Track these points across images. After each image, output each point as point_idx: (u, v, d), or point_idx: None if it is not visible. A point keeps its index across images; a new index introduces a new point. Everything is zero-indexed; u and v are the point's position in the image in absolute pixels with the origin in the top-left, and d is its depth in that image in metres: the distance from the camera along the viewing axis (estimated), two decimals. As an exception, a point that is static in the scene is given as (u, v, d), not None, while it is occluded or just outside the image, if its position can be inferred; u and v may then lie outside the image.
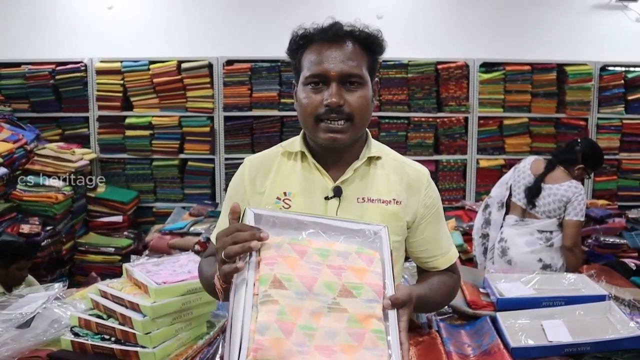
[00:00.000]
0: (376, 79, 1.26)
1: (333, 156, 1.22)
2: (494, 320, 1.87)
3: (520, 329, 1.81)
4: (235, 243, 0.94)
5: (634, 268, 3.03)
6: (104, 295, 1.90)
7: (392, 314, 1.00)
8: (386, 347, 0.94)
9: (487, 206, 3.14)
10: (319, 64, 1.16)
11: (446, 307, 2.02)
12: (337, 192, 1.20)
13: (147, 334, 1.70)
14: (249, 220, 1.03)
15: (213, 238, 1.26)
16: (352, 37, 1.19)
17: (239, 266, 0.92)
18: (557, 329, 1.80)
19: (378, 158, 1.26)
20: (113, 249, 4.23)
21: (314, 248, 1.02)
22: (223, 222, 1.24)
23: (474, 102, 4.60)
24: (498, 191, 3.11)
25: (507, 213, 3.04)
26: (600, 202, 4.46)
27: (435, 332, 1.90)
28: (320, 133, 1.16)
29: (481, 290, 2.08)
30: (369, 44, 1.21)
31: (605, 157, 4.62)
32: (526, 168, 2.99)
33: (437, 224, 1.33)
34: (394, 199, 1.24)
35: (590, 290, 2.02)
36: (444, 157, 4.63)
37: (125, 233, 4.43)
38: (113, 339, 1.78)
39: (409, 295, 1.04)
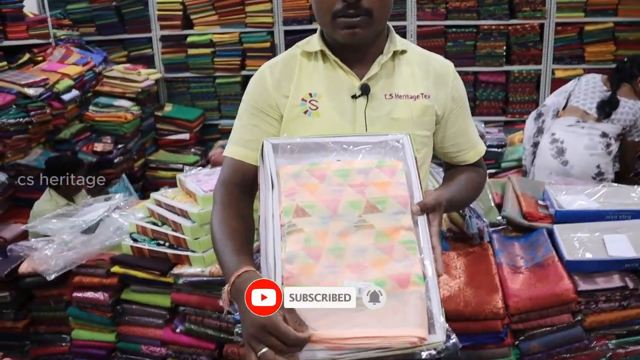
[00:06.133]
0: None
1: (355, 53, 1.14)
2: (551, 233, 1.78)
3: (578, 242, 1.71)
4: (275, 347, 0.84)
5: None
6: (159, 203, 1.98)
7: (422, 219, 0.97)
8: (417, 255, 0.92)
9: (540, 115, 3.02)
10: None
11: (500, 218, 1.94)
12: (365, 90, 1.13)
13: (196, 239, 1.76)
14: (268, 152, 1.00)
15: (229, 152, 1.19)
16: None
17: None
18: (619, 244, 1.69)
19: (403, 52, 1.18)
20: (181, 165, 4.38)
21: (333, 170, 0.99)
22: (239, 132, 1.20)
23: (551, 6, 4.18)
24: (555, 99, 2.99)
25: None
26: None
27: (487, 244, 1.84)
28: (338, 30, 1.08)
29: (540, 202, 1.97)
30: None
31: None
32: (597, 80, 2.87)
33: (465, 117, 1.25)
34: (421, 94, 1.17)
35: (662, 204, 1.86)
36: (515, 68, 4.32)
37: (193, 150, 4.58)
38: (167, 244, 1.87)
39: (438, 200, 1.00)
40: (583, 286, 1.55)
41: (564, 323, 1.56)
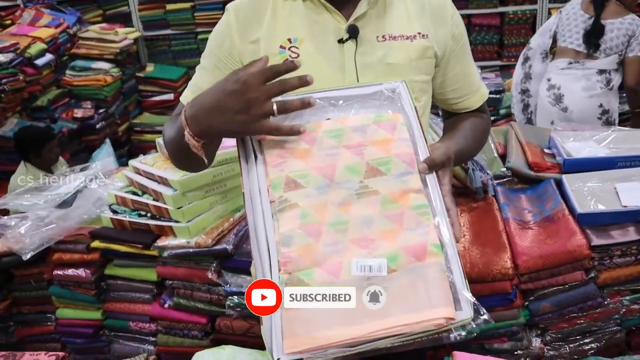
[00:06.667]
0: None
1: None
2: (559, 184, 1.66)
3: (589, 192, 1.59)
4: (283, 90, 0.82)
5: None
6: (137, 171, 1.83)
7: (432, 178, 0.84)
8: (431, 221, 0.80)
9: (526, 59, 2.83)
10: None
11: (504, 169, 1.82)
12: (353, 32, 0.98)
13: (178, 208, 1.63)
14: None
15: (183, 97, 1.06)
16: None
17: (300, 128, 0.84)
18: (633, 193, 1.57)
19: None
20: (167, 128, 4.22)
21: (325, 131, 0.85)
22: (196, 76, 1.06)
23: (549, -60, 3.95)
24: (540, 40, 2.79)
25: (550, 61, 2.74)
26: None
27: (492, 198, 1.73)
28: None
29: (546, 150, 1.85)
30: None
31: None
32: (576, 10, 2.64)
33: (466, 57, 1.11)
34: (418, 33, 1.01)
35: (677, 147, 1.73)
36: (510, 9, 4.10)
37: (178, 111, 4.39)
38: (149, 214, 1.74)
39: (446, 153, 0.87)
40: (597, 241, 1.44)
41: (577, 281, 1.46)
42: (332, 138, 0.85)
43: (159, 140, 1.91)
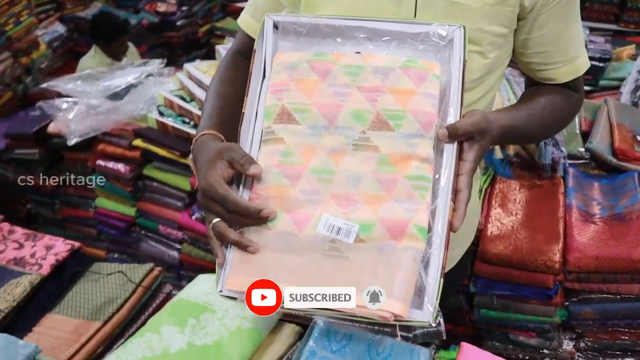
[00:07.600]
0: None
1: None
2: (644, 180, 1.44)
3: (677, 197, 1.36)
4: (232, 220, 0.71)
5: None
6: (190, 76, 1.77)
7: (451, 149, 0.69)
8: (425, 198, 0.67)
9: None
10: None
11: (583, 150, 1.59)
12: None
13: (218, 124, 1.56)
14: (267, 31, 0.75)
15: (239, 20, 0.93)
16: None
17: (219, 261, 0.71)
18: None
19: None
20: (249, 36, 4.13)
21: (342, 65, 0.72)
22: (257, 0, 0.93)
23: None
24: None
25: None
26: None
27: (560, 178, 1.53)
28: None
29: (638, 138, 1.59)
30: None
31: None
32: None
33: (566, 15, 0.86)
34: None
35: None
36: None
37: (264, 18, 4.27)
38: (192, 123, 1.70)
39: (479, 125, 0.70)
40: (669, 255, 1.24)
41: (632, 294, 1.27)
42: (348, 75, 0.72)
43: (219, 48, 1.83)
